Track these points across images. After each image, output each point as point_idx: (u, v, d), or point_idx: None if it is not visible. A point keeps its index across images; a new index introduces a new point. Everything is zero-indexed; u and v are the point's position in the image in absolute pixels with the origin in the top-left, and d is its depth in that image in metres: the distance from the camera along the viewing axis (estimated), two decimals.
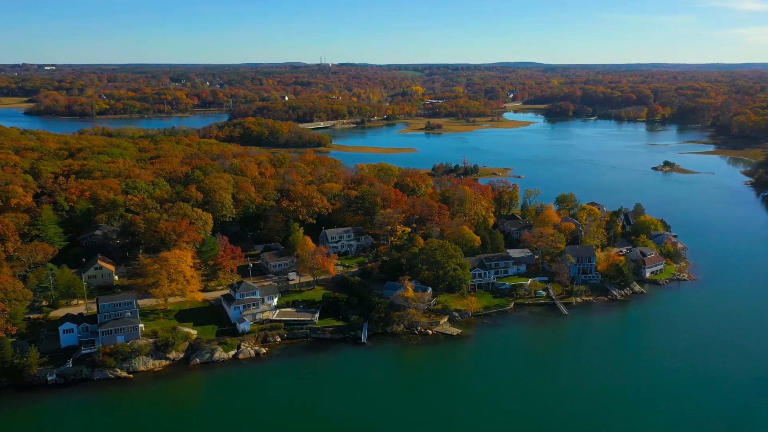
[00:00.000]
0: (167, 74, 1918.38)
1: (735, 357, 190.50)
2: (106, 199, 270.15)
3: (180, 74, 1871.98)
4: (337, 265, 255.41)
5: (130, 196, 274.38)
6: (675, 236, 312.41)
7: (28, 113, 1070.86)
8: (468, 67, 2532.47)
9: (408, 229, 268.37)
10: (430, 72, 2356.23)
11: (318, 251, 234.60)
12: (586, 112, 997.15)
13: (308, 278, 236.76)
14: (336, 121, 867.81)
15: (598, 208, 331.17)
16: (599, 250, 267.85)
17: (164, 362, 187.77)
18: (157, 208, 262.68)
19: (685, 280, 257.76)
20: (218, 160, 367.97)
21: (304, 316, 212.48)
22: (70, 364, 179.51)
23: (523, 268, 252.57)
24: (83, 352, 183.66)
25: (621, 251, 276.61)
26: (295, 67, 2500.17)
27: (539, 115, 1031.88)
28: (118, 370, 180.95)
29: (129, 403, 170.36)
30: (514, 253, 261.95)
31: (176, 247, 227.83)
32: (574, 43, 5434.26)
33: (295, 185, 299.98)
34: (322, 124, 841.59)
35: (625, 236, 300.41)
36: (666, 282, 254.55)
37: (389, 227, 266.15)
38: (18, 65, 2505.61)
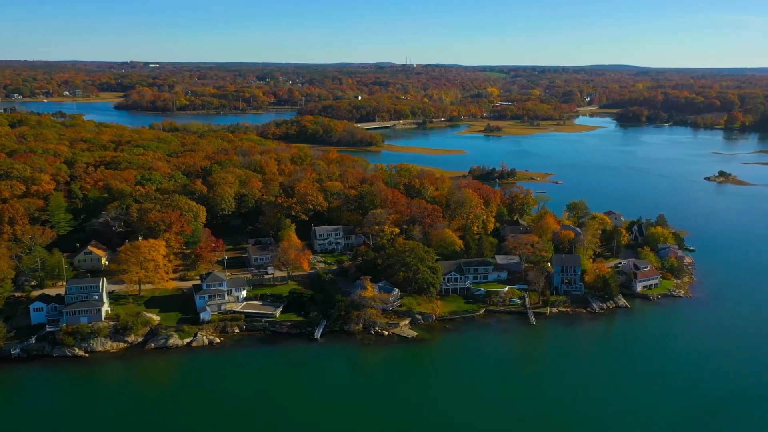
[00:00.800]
0: (254, 73, 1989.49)
1: (686, 379, 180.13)
2: (117, 189, 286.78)
3: (266, 73, 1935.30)
4: (320, 262, 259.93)
5: (138, 187, 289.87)
6: (693, 250, 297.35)
7: (118, 107, 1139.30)
8: (556, 70, 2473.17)
9: (397, 230, 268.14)
10: (515, 74, 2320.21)
11: (292, 247, 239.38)
12: (661, 117, 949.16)
13: (285, 273, 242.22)
14: (397, 122, 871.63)
15: (615, 218, 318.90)
16: (591, 260, 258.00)
17: (122, 345, 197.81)
18: (159, 199, 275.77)
19: (680, 296, 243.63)
20: (243, 156, 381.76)
21: (267, 310, 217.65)
22: (33, 340, 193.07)
23: (504, 274, 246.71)
24: (48, 330, 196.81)
25: (620, 263, 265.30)
26: (380, 68, 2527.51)
27: (612, 120, 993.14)
28: (76, 348, 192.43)
29: (77, 380, 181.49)
30: (502, 259, 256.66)
31: (161, 237, 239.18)
32: (673, 46, 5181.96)
33: (300, 182, 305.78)
34: (382, 124, 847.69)
35: (633, 248, 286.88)
36: (657, 298, 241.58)
37: (377, 227, 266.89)
38: (126, 63, 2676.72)
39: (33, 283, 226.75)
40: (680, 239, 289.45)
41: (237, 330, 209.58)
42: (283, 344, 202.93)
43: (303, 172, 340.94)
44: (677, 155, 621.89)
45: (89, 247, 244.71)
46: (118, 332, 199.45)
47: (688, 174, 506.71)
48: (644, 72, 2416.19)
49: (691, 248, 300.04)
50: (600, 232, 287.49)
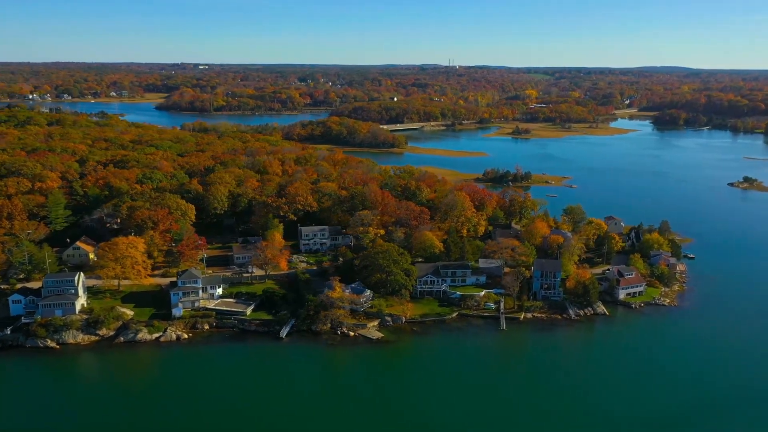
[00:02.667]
0: (296, 74, 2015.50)
1: (632, 394, 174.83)
2: (115, 187, 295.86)
3: (307, 74, 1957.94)
4: (302, 261, 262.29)
5: (136, 186, 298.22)
6: (693, 257, 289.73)
7: (158, 108, 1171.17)
8: (602, 71, 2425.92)
9: (382, 231, 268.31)
10: (560, 75, 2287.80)
11: (270, 246, 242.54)
12: (700, 121, 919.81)
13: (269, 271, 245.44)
14: (426, 123, 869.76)
15: (614, 223, 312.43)
16: (575, 266, 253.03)
17: (93, 338, 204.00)
18: (152, 197, 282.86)
19: (664, 305, 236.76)
20: (251, 156, 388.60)
21: (238, 308, 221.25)
22: (8, 331, 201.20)
23: (483, 278, 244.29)
24: (23, 321, 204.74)
25: (608, 269, 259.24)
26: (423, 69, 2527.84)
27: (650, 123, 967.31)
28: (48, 340, 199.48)
29: (45, 370, 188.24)
30: (484, 262, 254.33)
31: (145, 234, 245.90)
32: (726, 47, 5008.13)
33: (295, 182, 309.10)
34: (411, 126, 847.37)
35: (628, 254, 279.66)
36: (640, 306, 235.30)
37: (361, 228, 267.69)
38: (177, 64, 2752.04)
39: (21, 276, 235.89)
40: (677, 246, 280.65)
41: (207, 327, 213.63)
42: (249, 342, 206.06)
43: (304, 172, 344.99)
44: (706, 159, 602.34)
45: (78, 243, 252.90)
46: (90, 325, 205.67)
47: (711, 179, 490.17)
48: (695, 74, 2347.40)
49: (691, 256, 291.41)
50: (596, 237, 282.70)
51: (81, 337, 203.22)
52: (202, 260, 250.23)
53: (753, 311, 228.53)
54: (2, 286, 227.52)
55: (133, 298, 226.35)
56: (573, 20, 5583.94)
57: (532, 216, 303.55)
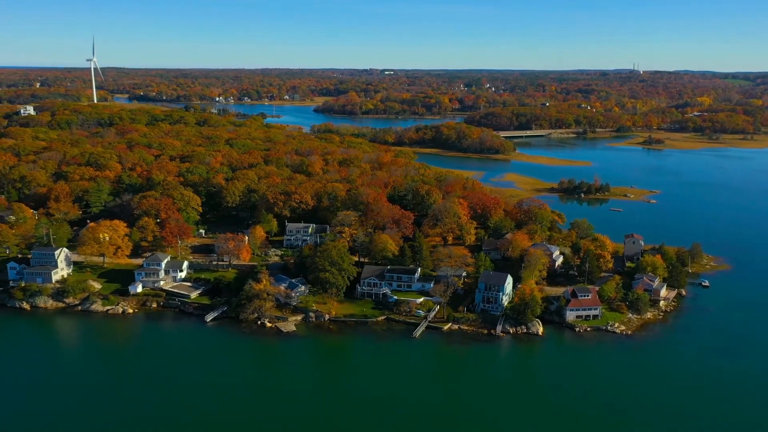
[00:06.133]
0: (464, 79, 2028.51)
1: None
2: (151, 179, 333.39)
3: (474, 80, 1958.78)
4: (276, 255, 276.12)
5: (167, 178, 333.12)
6: (707, 286, 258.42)
7: (315, 110, 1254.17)
8: None
9: (356, 232, 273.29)
10: (761, 81, 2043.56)
11: (234, 239, 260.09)
12: None
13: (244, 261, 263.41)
14: (553, 130, 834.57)
15: (633, 242, 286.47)
16: (533, 283, 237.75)
17: (60, 304, 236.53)
18: (165, 188, 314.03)
19: (614, 332, 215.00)
20: (309, 155, 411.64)
21: (187, 291, 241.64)
22: None
23: (429, 285, 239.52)
24: (11, 285, 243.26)
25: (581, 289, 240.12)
26: (604, 74, 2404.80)
27: None
28: (24, 303, 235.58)
29: (11, 325, 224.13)
30: (443, 270, 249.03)
31: (141, 221, 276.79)
32: None
33: (307, 182, 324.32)
34: (537, 132, 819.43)
35: (620, 275, 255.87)
36: (584, 330, 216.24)
37: (338, 228, 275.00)
38: (366, 69, 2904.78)
39: None
40: (677, 272, 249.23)
41: (155, 305, 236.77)
42: (179, 322, 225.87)
43: (338, 173, 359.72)
44: None
45: (91, 224, 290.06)
46: (59, 294, 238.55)
47: None
48: None
49: (705, 284, 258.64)
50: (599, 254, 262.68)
51: (50, 303, 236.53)
52: (186, 246, 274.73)
53: (711, 353, 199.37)
54: (19, 255, 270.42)
55: (109, 274, 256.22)
56: None
57: (528, 227, 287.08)
